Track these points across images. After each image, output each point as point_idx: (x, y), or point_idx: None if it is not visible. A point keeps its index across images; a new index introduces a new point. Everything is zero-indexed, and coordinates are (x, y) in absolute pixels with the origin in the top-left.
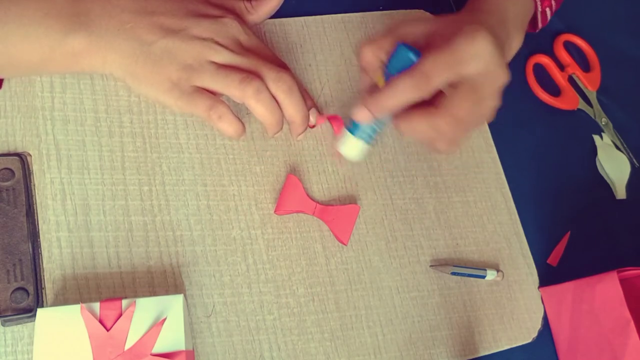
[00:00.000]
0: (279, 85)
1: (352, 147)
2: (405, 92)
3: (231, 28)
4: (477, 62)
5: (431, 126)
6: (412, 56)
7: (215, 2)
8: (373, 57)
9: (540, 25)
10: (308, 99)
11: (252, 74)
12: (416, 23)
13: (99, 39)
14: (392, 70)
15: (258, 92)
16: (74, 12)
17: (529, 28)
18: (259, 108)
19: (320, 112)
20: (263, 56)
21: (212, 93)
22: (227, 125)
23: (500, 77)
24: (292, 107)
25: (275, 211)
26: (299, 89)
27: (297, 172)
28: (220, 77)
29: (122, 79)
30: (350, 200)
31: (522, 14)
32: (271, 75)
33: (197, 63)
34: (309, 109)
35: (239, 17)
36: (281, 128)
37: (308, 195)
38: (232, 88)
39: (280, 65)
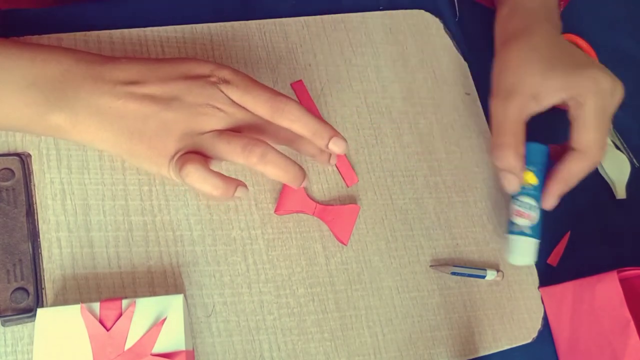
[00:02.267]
0: (293, 126)
1: (526, 249)
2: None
3: (225, 88)
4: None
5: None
6: (544, 147)
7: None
8: (516, 159)
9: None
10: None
11: (254, 139)
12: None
13: (86, 118)
14: (531, 165)
15: (263, 156)
16: (62, 86)
17: None
18: (270, 171)
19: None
20: (260, 96)
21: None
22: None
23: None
24: (305, 143)
25: (275, 211)
26: (309, 116)
27: None
28: (221, 147)
29: (118, 156)
30: (350, 200)
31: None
32: (277, 117)
33: (195, 133)
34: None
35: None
36: (304, 178)
37: (308, 195)
38: (235, 156)
39: (281, 98)
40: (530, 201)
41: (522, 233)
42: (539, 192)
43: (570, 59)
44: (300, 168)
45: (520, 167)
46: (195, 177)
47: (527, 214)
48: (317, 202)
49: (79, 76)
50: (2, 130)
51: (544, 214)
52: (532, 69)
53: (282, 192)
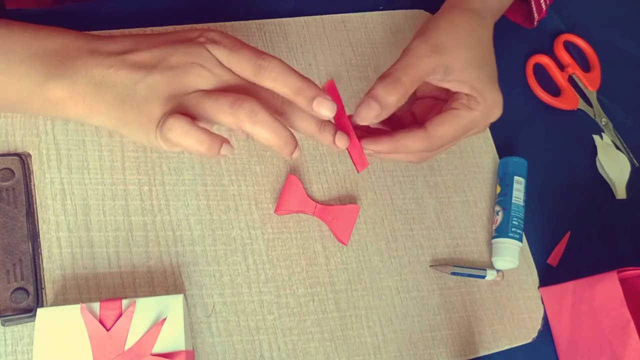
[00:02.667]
0: (276, 86)
1: (511, 251)
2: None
3: (211, 48)
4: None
5: (423, 149)
6: (524, 162)
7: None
8: (397, 102)
9: (536, 17)
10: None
11: (242, 95)
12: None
13: (83, 88)
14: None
15: (252, 113)
16: (61, 58)
17: (527, 24)
18: (258, 132)
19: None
20: (245, 55)
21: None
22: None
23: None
24: (299, 116)
25: (275, 211)
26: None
27: (297, 172)
28: (208, 105)
29: (114, 130)
30: (350, 200)
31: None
32: (266, 80)
33: (181, 93)
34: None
35: (217, 30)
36: (295, 146)
37: (308, 195)
38: (222, 114)
39: (265, 56)
40: (496, 207)
41: (493, 237)
42: (502, 197)
43: (494, 70)
44: (292, 134)
45: (389, 111)
46: (179, 131)
47: (495, 219)
48: (317, 202)
49: (77, 50)
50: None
51: (544, 214)
52: (467, 51)
53: (282, 192)
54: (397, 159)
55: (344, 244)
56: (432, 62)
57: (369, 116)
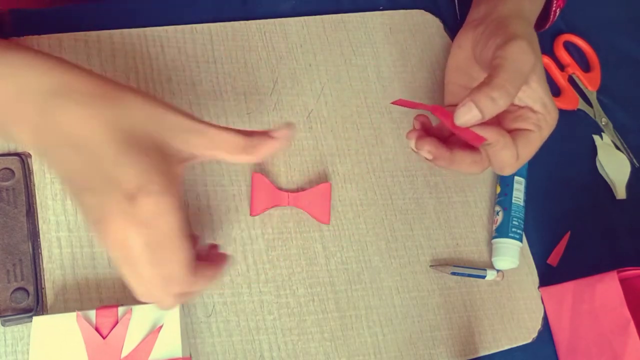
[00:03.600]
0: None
1: (511, 251)
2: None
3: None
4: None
5: (514, 155)
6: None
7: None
8: (501, 107)
9: (549, 24)
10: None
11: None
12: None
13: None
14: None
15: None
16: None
17: (536, 28)
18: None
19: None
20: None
21: None
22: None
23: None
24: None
25: (250, 214)
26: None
27: (262, 169)
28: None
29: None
30: (319, 179)
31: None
32: None
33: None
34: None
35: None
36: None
37: (278, 188)
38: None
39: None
40: (496, 207)
41: (493, 237)
42: (502, 197)
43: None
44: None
45: (492, 114)
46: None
47: (495, 219)
48: (289, 191)
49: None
50: None
51: (544, 214)
52: (539, 63)
53: (251, 193)
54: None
55: (326, 223)
56: (532, 59)
57: (470, 121)
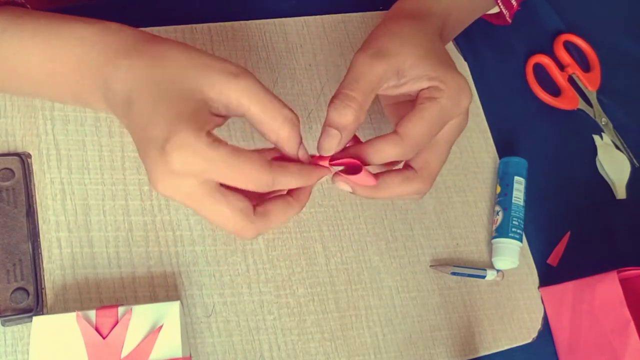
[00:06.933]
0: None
1: (511, 251)
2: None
3: None
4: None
5: (412, 191)
6: (524, 162)
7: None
8: (355, 121)
9: (506, 13)
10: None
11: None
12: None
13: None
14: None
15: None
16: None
17: (501, 21)
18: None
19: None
20: None
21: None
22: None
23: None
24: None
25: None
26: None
27: None
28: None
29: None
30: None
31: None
32: None
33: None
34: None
35: None
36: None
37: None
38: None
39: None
40: (496, 207)
41: (493, 237)
42: (502, 197)
43: (449, 59)
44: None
45: (351, 131)
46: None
47: (495, 219)
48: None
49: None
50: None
51: (544, 214)
52: (413, 48)
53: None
54: (398, 198)
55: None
56: (379, 68)
57: (333, 145)
